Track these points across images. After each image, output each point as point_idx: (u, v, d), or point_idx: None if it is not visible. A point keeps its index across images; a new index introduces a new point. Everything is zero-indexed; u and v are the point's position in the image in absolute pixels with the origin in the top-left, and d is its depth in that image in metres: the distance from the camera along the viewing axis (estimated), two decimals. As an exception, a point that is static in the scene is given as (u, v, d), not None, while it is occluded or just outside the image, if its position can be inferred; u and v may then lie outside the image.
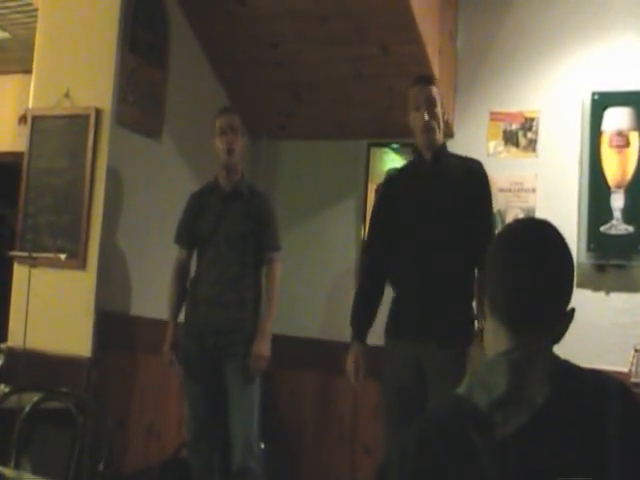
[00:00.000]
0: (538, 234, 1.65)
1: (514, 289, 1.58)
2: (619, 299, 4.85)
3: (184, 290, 4.50)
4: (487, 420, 1.48)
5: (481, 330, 3.15)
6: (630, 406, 1.54)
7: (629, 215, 4.82)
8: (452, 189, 3.87)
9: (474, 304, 3.82)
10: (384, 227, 4.00)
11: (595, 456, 1.45)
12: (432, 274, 3.79)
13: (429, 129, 3.89)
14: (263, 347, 4.32)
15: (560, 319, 1.59)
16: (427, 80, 4.02)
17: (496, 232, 3.47)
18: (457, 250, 3.81)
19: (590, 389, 1.54)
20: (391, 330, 3.91)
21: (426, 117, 3.88)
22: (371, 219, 4.17)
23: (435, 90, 3.96)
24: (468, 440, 1.46)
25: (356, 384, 3.99)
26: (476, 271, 3.76)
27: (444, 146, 4.00)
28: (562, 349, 1.61)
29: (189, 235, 4.51)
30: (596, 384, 1.56)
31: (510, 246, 1.64)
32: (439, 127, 3.93)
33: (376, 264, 4.02)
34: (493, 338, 1.62)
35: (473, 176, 3.93)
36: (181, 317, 4.52)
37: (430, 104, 3.90)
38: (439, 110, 3.93)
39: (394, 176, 4.21)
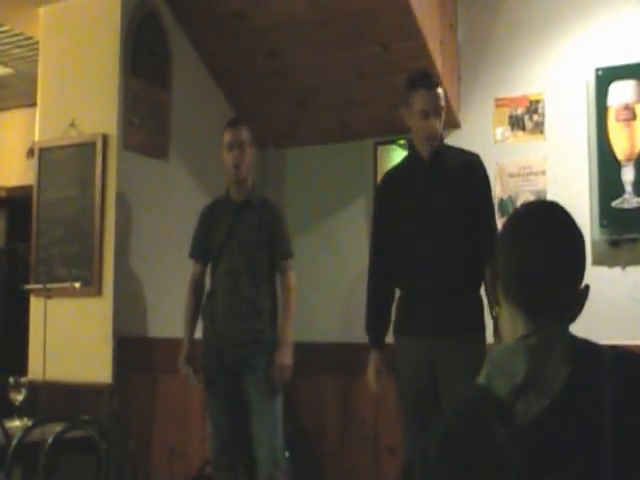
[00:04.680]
0: (547, 216, 1.63)
1: (528, 273, 1.56)
2: (636, 273, 4.78)
3: (199, 305, 4.51)
4: (508, 408, 1.46)
5: (496, 318, 3.13)
6: (625, 379, 1.51)
7: (641, 187, 4.78)
8: (452, 184, 3.87)
9: (483, 294, 3.82)
10: (387, 229, 4.00)
11: (609, 437, 1.43)
12: (436, 270, 3.81)
13: (426, 138, 3.89)
14: (286, 357, 4.33)
15: (575, 299, 1.58)
16: (432, 83, 3.94)
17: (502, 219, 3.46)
18: (460, 245, 3.82)
19: (607, 367, 1.51)
20: (400, 329, 3.91)
21: (437, 127, 3.87)
22: (373, 223, 4.16)
23: (441, 93, 3.92)
24: (491, 431, 1.45)
25: (377, 392, 4.00)
26: (483, 261, 3.74)
27: (441, 141, 3.99)
28: (581, 328, 1.60)
29: (203, 249, 4.54)
30: (612, 361, 1.53)
31: (521, 230, 1.62)
32: (437, 135, 3.92)
33: (383, 267, 4.02)
34: (510, 324, 1.60)
35: (472, 169, 3.93)
36: (198, 333, 4.54)
37: (438, 112, 3.87)
38: (439, 119, 3.91)
39: (392, 175, 4.18)
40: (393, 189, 4.05)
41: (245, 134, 4.54)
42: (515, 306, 1.58)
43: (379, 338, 3.99)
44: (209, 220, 4.56)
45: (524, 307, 1.57)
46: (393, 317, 3.99)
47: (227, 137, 4.52)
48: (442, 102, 3.90)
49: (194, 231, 4.62)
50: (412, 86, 3.94)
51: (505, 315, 1.62)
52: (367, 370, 3.98)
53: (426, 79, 3.97)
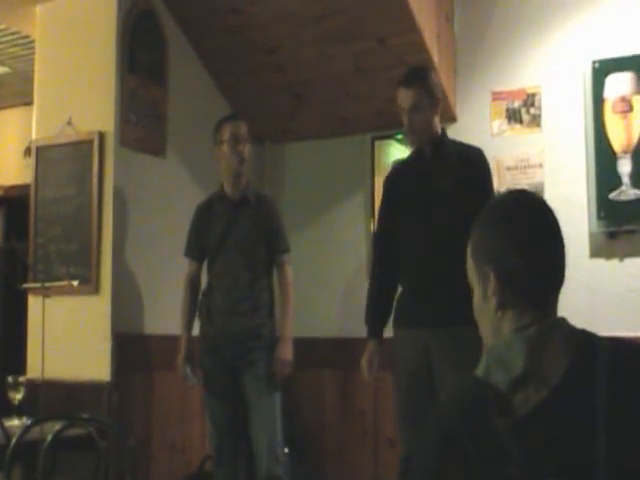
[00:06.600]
0: (538, 204, 1.65)
1: (538, 262, 1.58)
2: (633, 265, 4.78)
3: (196, 302, 4.51)
4: (507, 400, 1.46)
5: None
6: (623, 370, 1.50)
7: (638, 179, 4.75)
8: (452, 180, 3.88)
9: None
10: (390, 223, 4.02)
11: (606, 428, 1.43)
12: (434, 262, 3.81)
13: (410, 135, 3.92)
14: (286, 352, 4.34)
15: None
16: (408, 81, 3.97)
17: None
18: (459, 237, 3.81)
19: (605, 358, 1.51)
20: (398, 320, 3.93)
21: (413, 124, 3.90)
22: (378, 215, 4.19)
23: (416, 93, 3.91)
24: (490, 423, 1.44)
25: (370, 380, 4.02)
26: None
27: (442, 136, 4.00)
28: (580, 320, 1.61)
29: (198, 247, 4.54)
30: (610, 352, 1.53)
31: (520, 219, 1.63)
32: (421, 132, 3.92)
33: (386, 261, 4.04)
34: (511, 316, 1.59)
35: (472, 163, 3.94)
36: (196, 330, 4.54)
37: (410, 110, 3.90)
38: (420, 116, 3.90)
39: (396, 171, 4.22)
40: (396, 183, 4.08)
41: (245, 128, 4.55)
42: (520, 297, 1.58)
43: (375, 329, 4.00)
44: (204, 218, 4.55)
45: (531, 297, 1.57)
46: (394, 311, 4.01)
47: (230, 129, 4.50)
48: (411, 101, 3.90)
49: (189, 229, 4.62)
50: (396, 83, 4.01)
51: (509, 308, 1.60)
52: (361, 359, 4.00)
53: (404, 77, 4.01)
